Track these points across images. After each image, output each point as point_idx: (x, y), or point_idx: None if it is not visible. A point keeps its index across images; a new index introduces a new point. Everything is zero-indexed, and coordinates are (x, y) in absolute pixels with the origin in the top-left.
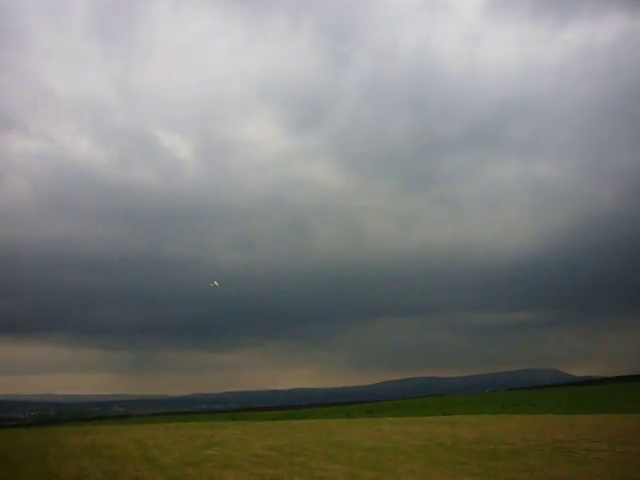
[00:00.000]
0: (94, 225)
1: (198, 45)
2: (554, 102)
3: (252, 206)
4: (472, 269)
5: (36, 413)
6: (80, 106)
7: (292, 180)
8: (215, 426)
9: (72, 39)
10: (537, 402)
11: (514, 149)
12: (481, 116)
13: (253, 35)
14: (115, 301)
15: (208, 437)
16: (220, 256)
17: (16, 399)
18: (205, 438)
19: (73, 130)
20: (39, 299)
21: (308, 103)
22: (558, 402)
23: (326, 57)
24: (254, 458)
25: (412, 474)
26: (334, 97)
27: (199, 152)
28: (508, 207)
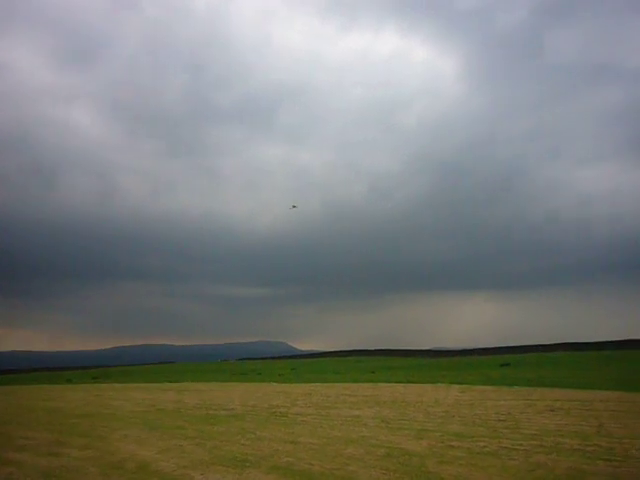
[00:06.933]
0: None
1: None
2: (327, 98)
3: None
4: (223, 241)
5: None
6: None
7: (45, 120)
8: None
9: None
10: (263, 372)
11: (282, 133)
12: (258, 95)
13: None
14: None
15: None
16: None
17: None
18: None
19: None
20: None
21: (80, 38)
22: (281, 372)
23: None
24: None
25: (125, 439)
26: (111, 39)
27: None
28: (266, 187)
